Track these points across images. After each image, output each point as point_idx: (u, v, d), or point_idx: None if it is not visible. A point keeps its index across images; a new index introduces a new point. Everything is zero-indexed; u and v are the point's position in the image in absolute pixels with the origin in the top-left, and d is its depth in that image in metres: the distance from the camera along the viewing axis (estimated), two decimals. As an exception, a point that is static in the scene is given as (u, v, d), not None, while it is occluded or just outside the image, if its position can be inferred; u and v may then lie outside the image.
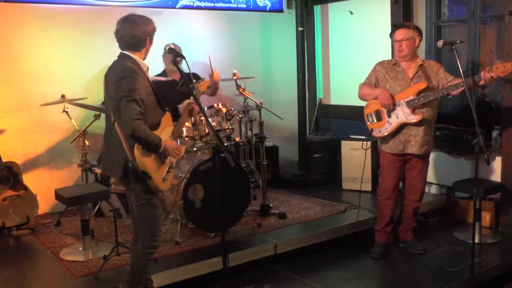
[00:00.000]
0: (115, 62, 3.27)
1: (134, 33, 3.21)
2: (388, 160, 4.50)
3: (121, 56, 3.26)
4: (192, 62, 5.17)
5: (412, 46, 4.36)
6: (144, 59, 3.33)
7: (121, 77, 3.12)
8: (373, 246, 4.66)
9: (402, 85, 4.36)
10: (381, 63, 4.53)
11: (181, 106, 3.61)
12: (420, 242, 4.72)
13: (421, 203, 4.72)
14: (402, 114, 4.32)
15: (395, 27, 4.51)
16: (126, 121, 3.04)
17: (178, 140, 4.67)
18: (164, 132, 3.33)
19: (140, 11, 5.66)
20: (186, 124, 4.57)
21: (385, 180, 4.56)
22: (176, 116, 3.74)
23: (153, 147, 3.15)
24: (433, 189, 5.85)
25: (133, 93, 3.06)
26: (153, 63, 5.41)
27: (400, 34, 4.35)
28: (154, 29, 3.32)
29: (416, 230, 4.76)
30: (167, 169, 3.35)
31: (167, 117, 3.39)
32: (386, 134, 4.39)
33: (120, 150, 3.14)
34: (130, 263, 3.44)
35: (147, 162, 3.15)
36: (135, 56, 3.25)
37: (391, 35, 4.48)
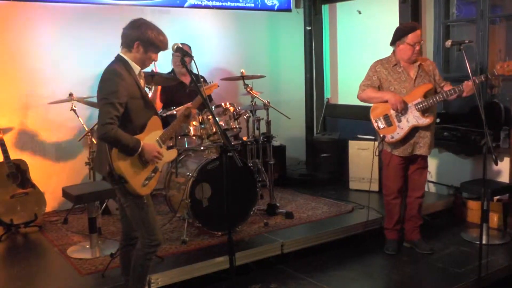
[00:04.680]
0: (109, 63, 3.26)
1: (127, 32, 3.19)
2: (396, 162, 4.48)
3: (115, 57, 3.25)
4: (200, 62, 5.18)
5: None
6: (139, 67, 3.27)
7: (104, 79, 3.12)
8: (385, 243, 4.66)
9: (406, 87, 4.33)
10: (380, 63, 4.44)
11: (179, 109, 3.54)
12: (427, 242, 4.70)
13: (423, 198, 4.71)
14: (412, 118, 4.29)
15: (407, 30, 4.29)
16: (98, 124, 3.06)
17: (186, 139, 4.70)
18: (151, 136, 3.27)
19: (148, 10, 5.76)
20: (194, 123, 4.57)
21: (393, 181, 4.55)
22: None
23: (127, 150, 3.09)
24: (441, 190, 5.83)
25: (112, 96, 3.03)
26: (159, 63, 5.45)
27: (417, 37, 4.23)
28: (151, 38, 3.16)
29: (423, 230, 4.74)
30: (148, 173, 3.25)
31: (154, 121, 3.33)
32: (399, 138, 4.35)
33: (106, 150, 3.12)
34: (132, 264, 3.38)
35: (123, 166, 3.10)
36: (128, 58, 3.21)
37: (401, 37, 4.29)
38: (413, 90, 4.30)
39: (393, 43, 4.40)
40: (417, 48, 4.28)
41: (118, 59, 3.23)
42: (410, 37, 4.26)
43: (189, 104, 3.50)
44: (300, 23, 7.11)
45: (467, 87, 4.10)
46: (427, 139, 4.36)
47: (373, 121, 4.45)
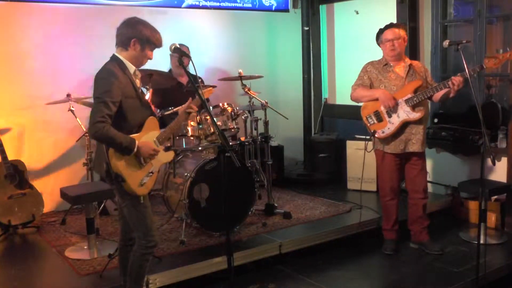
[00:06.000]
0: (104, 63, 3.26)
1: (122, 31, 3.20)
2: (389, 161, 4.50)
3: (111, 57, 3.25)
4: (197, 62, 5.16)
5: (403, 44, 4.42)
6: (135, 66, 3.27)
7: (99, 78, 3.13)
8: (384, 243, 4.67)
9: (397, 84, 4.38)
10: (371, 64, 4.54)
11: (180, 108, 3.56)
12: (436, 242, 4.68)
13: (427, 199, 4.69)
14: (403, 113, 4.33)
15: (383, 29, 4.48)
16: (90, 123, 3.05)
17: (183, 139, 4.70)
18: (147, 136, 3.27)
19: (146, 11, 5.75)
20: (191, 123, 4.58)
21: (388, 182, 4.56)
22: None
23: (122, 149, 3.08)
24: (438, 190, 5.83)
25: (105, 95, 3.03)
26: (158, 62, 5.45)
27: (391, 33, 4.37)
28: (147, 36, 3.19)
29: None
30: (146, 173, 3.24)
31: (152, 121, 3.32)
32: (389, 133, 4.38)
33: (104, 150, 3.12)
34: (129, 265, 3.37)
35: (120, 165, 3.10)
36: (124, 57, 3.22)
37: (379, 37, 4.47)
38: (404, 87, 4.35)
39: (377, 44, 4.53)
40: (392, 44, 4.34)
41: (113, 58, 3.23)
42: (385, 34, 4.41)
43: (189, 102, 3.50)
44: (298, 23, 7.12)
45: (455, 81, 4.13)
46: (419, 135, 4.39)
47: (364, 118, 4.49)
